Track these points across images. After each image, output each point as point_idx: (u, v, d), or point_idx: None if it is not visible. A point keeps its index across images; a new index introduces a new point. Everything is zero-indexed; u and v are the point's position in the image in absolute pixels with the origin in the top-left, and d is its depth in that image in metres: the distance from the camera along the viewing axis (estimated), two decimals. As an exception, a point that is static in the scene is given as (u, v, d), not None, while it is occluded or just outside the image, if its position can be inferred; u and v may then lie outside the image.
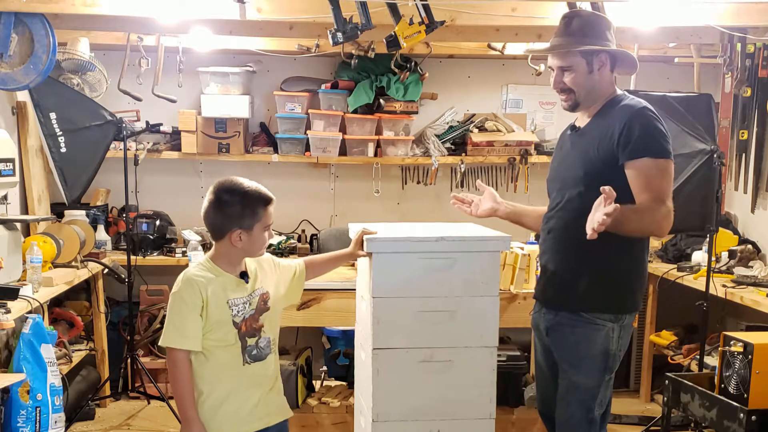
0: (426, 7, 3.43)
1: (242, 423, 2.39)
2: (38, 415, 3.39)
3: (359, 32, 3.36)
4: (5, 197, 3.84)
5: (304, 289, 2.65)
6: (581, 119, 2.67)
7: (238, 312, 2.35)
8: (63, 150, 4.23)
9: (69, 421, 4.00)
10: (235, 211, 2.32)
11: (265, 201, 2.38)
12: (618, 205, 2.24)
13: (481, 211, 2.87)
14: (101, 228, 4.72)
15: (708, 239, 3.96)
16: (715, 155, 3.93)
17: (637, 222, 2.40)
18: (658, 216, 2.41)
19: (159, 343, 2.36)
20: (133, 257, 4.39)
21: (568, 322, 2.58)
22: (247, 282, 2.39)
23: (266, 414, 2.44)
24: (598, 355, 2.55)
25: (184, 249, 4.69)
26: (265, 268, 2.49)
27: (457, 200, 2.93)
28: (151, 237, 4.80)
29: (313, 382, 4.22)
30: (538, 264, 2.79)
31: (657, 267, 4.57)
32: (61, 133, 4.21)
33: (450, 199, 2.96)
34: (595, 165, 2.51)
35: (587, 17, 2.65)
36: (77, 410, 4.18)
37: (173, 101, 4.68)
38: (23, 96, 4.27)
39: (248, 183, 2.39)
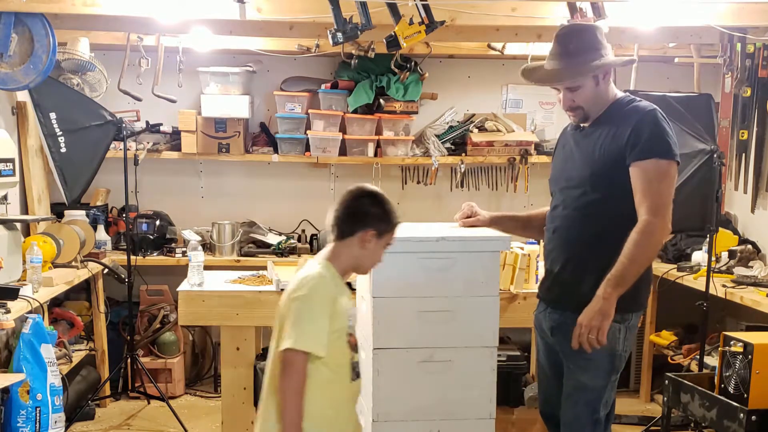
0: (426, 7, 3.42)
1: None
2: (38, 415, 3.39)
3: (359, 32, 3.36)
4: (5, 197, 3.84)
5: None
6: None
7: (351, 324, 2.25)
8: (63, 150, 4.23)
9: (69, 421, 4.00)
10: (376, 213, 2.25)
11: (398, 223, 2.32)
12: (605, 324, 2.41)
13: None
14: (101, 228, 4.72)
15: (708, 239, 3.96)
16: (715, 155, 3.93)
17: (636, 267, 2.44)
18: (652, 241, 2.45)
19: (288, 346, 2.11)
20: (133, 257, 4.39)
21: (573, 322, 2.57)
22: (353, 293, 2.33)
23: (355, 430, 2.35)
24: (605, 355, 2.55)
25: (184, 249, 4.68)
26: None
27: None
28: (151, 237, 4.80)
29: (313, 382, 4.21)
30: (538, 263, 2.78)
31: (657, 267, 4.56)
32: (61, 133, 4.21)
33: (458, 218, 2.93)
34: (601, 165, 2.52)
35: (580, 33, 2.61)
36: (77, 410, 4.18)
37: (173, 101, 4.68)
38: (23, 96, 4.27)
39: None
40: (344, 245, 2.25)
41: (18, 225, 3.74)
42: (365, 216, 2.24)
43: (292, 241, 4.93)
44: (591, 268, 2.55)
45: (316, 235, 4.97)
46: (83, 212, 4.57)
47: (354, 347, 2.26)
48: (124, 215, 4.62)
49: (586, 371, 2.57)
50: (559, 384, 2.68)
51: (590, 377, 2.57)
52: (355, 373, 2.26)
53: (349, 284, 2.33)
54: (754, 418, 2.86)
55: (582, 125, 2.66)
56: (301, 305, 2.15)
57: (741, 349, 2.95)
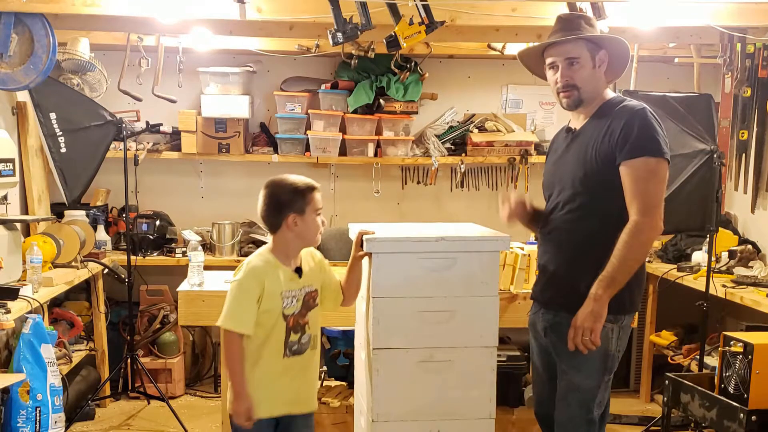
0: (426, 7, 3.43)
1: (269, 405, 2.51)
2: (38, 415, 3.39)
3: (359, 32, 3.36)
4: (5, 197, 3.84)
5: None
6: (576, 121, 2.67)
7: (287, 305, 2.50)
8: (63, 150, 4.23)
9: (69, 421, 4.00)
10: (286, 198, 2.50)
11: (311, 187, 2.54)
12: (598, 325, 2.46)
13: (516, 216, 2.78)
14: (101, 228, 4.72)
15: (708, 239, 3.96)
16: (715, 155, 3.93)
17: (626, 268, 2.45)
18: (641, 241, 2.44)
19: (216, 323, 2.51)
20: (133, 257, 4.39)
21: (568, 323, 2.57)
22: (300, 277, 2.54)
23: (293, 402, 2.57)
24: (599, 356, 2.55)
25: (184, 249, 4.69)
26: (317, 266, 2.64)
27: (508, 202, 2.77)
28: (151, 237, 4.80)
29: (313, 382, 4.22)
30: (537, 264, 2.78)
31: (657, 267, 4.57)
32: (61, 133, 4.22)
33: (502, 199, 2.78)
34: (593, 165, 2.52)
35: (584, 16, 2.70)
36: (77, 410, 4.18)
37: (173, 101, 4.68)
38: (23, 96, 4.27)
39: (293, 176, 2.57)
40: (279, 236, 2.54)
41: (18, 225, 3.74)
42: (281, 206, 2.50)
43: (292, 241, 4.93)
44: (586, 268, 2.54)
45: (316, 235, 4.97)
46: (83, 212, 4.57)
47: (295, 328, 2.52)
48: (124, 215, 4.62)
49: (580, 372, 2.57)
50: (552, 385, 2.68)
51: (583, 378, 2.57)
52: (291, 351, 2.52)
53: (299, 269, 2.55)
54: (754, 418, 2.87)
55: (572, 127, 2.66)
56: (234, 288, 2.50)
57: (741, 349, 2.95)
